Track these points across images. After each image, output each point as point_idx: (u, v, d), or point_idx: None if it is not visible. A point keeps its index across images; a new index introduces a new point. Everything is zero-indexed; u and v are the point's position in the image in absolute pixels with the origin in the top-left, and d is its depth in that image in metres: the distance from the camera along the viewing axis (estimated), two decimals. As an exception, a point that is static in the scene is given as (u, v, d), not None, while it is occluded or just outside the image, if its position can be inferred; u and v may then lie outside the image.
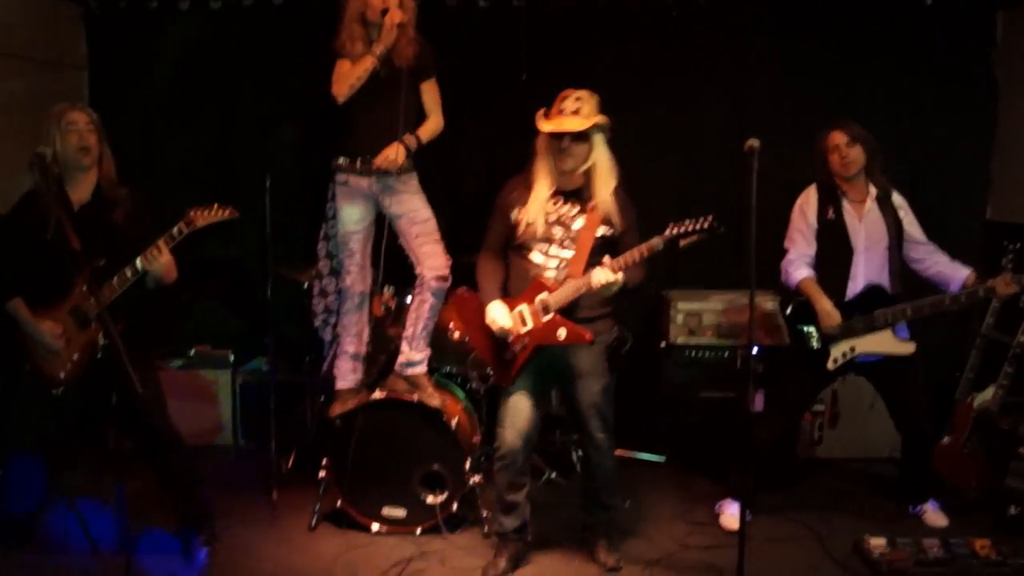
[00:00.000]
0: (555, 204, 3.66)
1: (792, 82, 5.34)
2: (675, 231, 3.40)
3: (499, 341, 3.69)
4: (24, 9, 4.87)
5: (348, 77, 4.03)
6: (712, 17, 5.30)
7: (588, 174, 3.64)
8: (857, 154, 4.14)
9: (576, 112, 3.54)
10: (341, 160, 4.17)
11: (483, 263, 3.80)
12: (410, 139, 4.08)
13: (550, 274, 3.64)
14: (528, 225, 3.63)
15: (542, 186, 3.64)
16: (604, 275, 3.45)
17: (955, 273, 4.16)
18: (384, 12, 3.97)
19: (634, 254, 3.45)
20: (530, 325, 3.62)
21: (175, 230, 3.53)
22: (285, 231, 4.54)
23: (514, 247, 3.73)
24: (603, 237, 3.64)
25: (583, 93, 3.58)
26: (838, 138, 4.16)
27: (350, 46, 4.06)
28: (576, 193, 3.67)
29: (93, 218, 3.62)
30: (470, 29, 5.31)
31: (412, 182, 4.22)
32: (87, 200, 3.68)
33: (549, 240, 3.65)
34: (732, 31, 5.34)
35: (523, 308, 3.64)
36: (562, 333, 3.57)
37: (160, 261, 3.55)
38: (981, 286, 4.02)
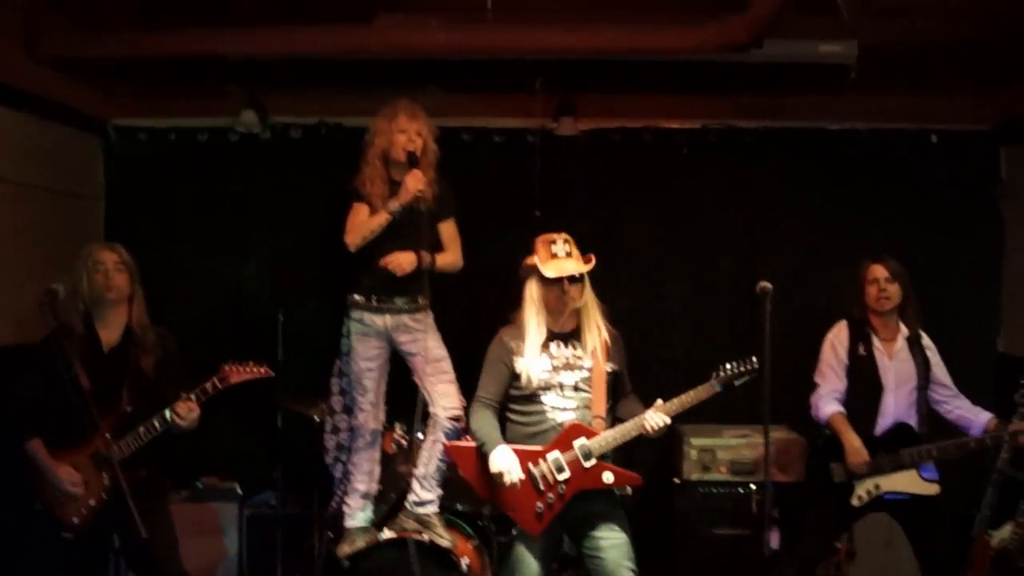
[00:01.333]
0: (557, 348, 3.67)
1: (801, 219, 5.41)
2: (729, 373, 3.52)
3: (516, 491, 3.55)
4: (42, 138, 4.95)
5: (362, 229, 4.08)
6: (721, 154, 5.42)
7: (580, 313, 3.69)
8: (895, 291, 4.17)
9: (569, 255, 3.64)
10: (357, 297, 4.20)
11: (480, 413, 3.69)
12: (426, 256, 4.09)
13: (567, 417, 3.60)
14: (531, 374, 3.61)
15: (539, 332, 3.66)
16: (660, 419, 3.51)
17: (976, 418, 4.17)
18: (409, 155, 4.03)
19: (689, 397, 3.54)
20: (567, 473, 3.53)
21: (208, 386, 3.55)
22: (298, 365, 4.53)
23: (520, 397, 3.68)
24: (611, 373, 3.68)
25: (565, 235, 3.70)
26: (879, 272, 4.18)
27: (370, 186, 4.12)
28: (572, 335, 3.70)
29: (121, 361, 3.62)
30: (484, 163, 5.41)
31: (427, 320, 4.24)
32: (116, 343, 3.68)
33: (561, 385, 3.63)
34: (741, 168, 5.44)
35: (557, 456, 3.55)
36: (608, 477, 3.52)
37: (191, 417, 3.55)
38: (1005, 431, 4.02)
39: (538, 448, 3.58)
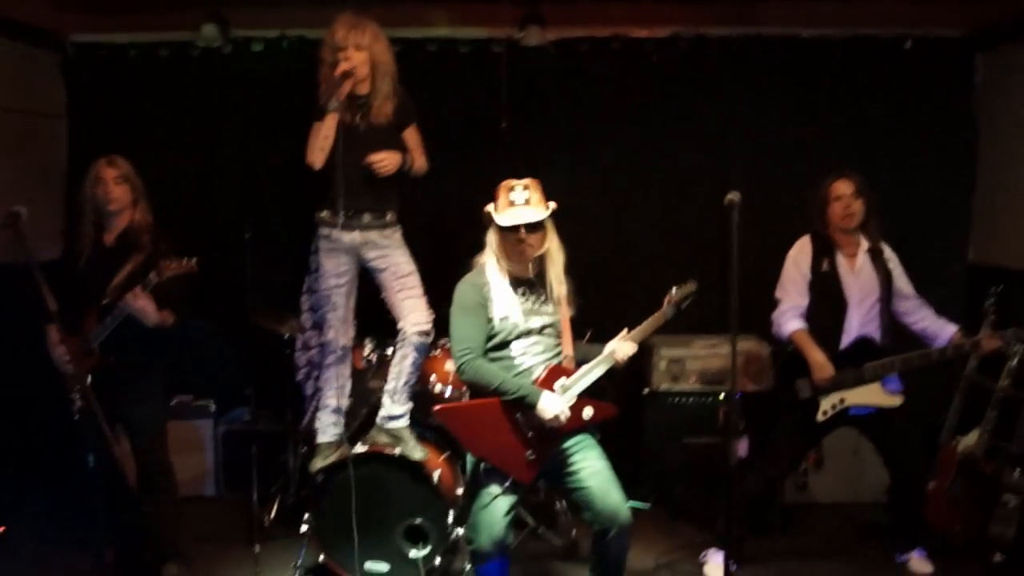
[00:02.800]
0: (522, 294, 3.63)
1: (773, 129, 5.36)
2: (675, 297, 3.64)
3: (507, 441, 3.51)
4: (0, 58, 4.85)
5: (316, 140, 4.03)
6: (692, 64, 5.34)
7: (542, 260, 3.64)
8: (859, 207, 4.14)
9: (528, 201, 3.56)
10: (324, 213, 4.16)
11: (479, 365, 3.53)
12: (408, 156, 4.14)
13: (534, 362, 3.58)
14: (504, 320, 3.56)
15: (502, 279, 3.60)
16: (629, 347, 3.55)
17: (941, 330, 4.18)
18: (342, 76, 3.98)
19: (649, 324, 3.60)
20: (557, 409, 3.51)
21: (148, 278, 3.83)
22: (267, 282, 4.50)
23: (490, 346, 3.60)
24: (572, 319, 3.70)
25: (528, 181, 3.60)
26: (843, 188, 4.15)
27: (326, 99, 4.07)
28: (537, 280, 3.67)
29: (115, 259, 3.96)
30: (451, 75, 5.32)
31: (396, 235, 4.22)
32: (113, 244, 4.03)
33: (528, 330, 3.60)
34: (712, 77, 5.36)
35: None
36: (588, 412, 3.53)
37: (135, 304, 3.82)
38: (968, 341, 4.05)
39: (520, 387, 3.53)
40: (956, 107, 5.39)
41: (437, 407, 3.56)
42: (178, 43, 5.35)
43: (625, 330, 3.60)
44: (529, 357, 3.59)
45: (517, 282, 3.63)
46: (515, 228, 3.53)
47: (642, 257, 5.41)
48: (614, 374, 3.60)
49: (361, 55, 4.03)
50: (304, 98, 4.21)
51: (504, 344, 3.58)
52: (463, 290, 3.62)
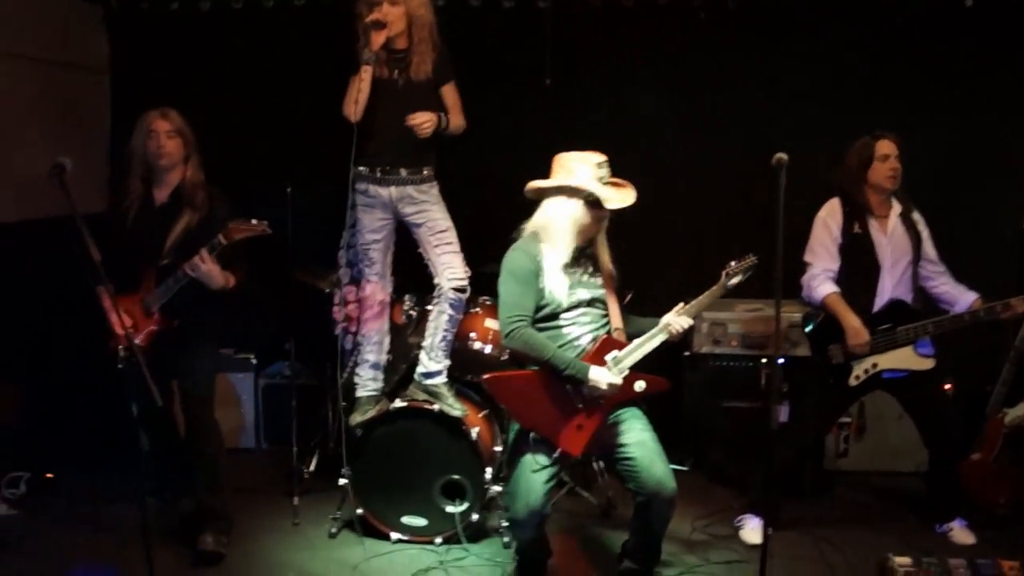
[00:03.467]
0: (575, 267, 3.57)
1: (823, 88, 5.22)
2: (733, 271, 3.52)
3: (557, 411, 3.48)
4: (43, 11, 4.87)
5: (352, 93, 4.03)
6: (741, 20, 5.20)
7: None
8: (900, 168, 4.05)
9: (619, 182, 3.54)
10: (361, 168, 4.16)
11: (529, 334, 3.45)
12: (444, 117, 4.12)
13: (582, 332, 3.55)
14: (555, 291, 3.51)
15: (564, 252, 3.51)
16: (685, 321, 3.48)
17: (962, 296, 4.13)
18: (374, 23, 3.97)
19: (705, 298, 3.51)
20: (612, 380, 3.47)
21: (215, 241, 3.75)
22: (307, 237, 4.51)
23: (540, 317, 3.55)
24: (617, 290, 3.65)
25: (601, 156, 3.55)
26: (888, 147, 4.06)
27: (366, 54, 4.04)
28: (587, 252, 3.63)
29: (169, 217, 3.92)
30: (494, 30, 5.25)
31: (433, 191, 4.20)
32: (166, 201, 3.97)
33: (579, 303, 3.55)
34: (761, 34, 5.22)
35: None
36: (640, 385, 3.48)
37: (202, 269, 3.75)
38: (1000, 303, 3.97)
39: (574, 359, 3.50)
40: (1017, 68, 5.19)
41: (486, 376, 3.54)
42: (220, -3, 5.33)
43: (681, 303, 3.53)
44: (577, 327, 3.56)
45: (575, 254, 3.56)
46: (600, 205, 3.47)
47: (685, 218, 5.34)
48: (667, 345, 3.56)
49: (397, 9, 4.00)
50: (345, 52, 4.19)
51: (554, 315, 3.54)
52: (515, 257, 3.55)
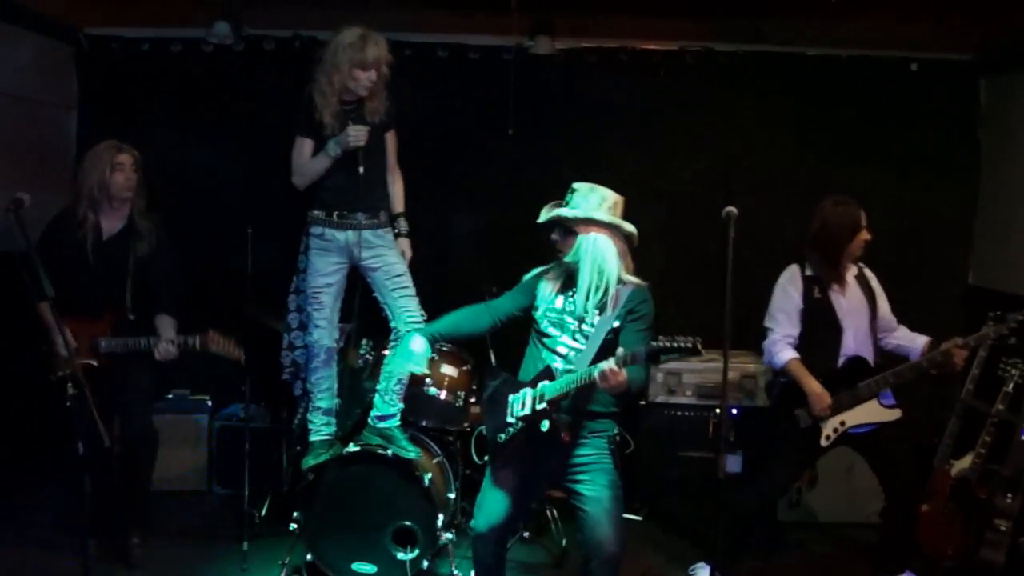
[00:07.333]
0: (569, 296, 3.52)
1: (776, 145, 5.38)
2: (663, 345, 3.13)
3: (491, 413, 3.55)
4: (13, 46, 4.89)
5: (308, 172, 4.16)
6: (699, 78, 5.36)
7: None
8: None
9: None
10: (317, 212, 4.18)
11: (462, 311, 3.62)
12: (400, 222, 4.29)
13: (554, 360, 3.49)
14: (546, 310, 3.52)
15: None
16: (607, 365, 3.17)
17: (913, 344, 4.21)
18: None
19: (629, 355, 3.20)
20: (527, 411, 3.43)
21: (190, 341, 4.02)
22: (266, 279, 4.51)
23: (537, 331, 3.57)
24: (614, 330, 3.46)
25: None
26: (865, 220, 4.11)
27: (320, 116, 4.07)
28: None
29: (120, 248, 4.07)
30: (460, 81, 5.35)
31: (388, 236, 4.24)
32: (117, 230, 4.11)
33: (563, 326, 3.51)
34: (718, 92, 5.39)
35: (525, 391, 3.47)
36: (544, 425, 3.37)
37: (168, 358, 4.08)
38: (939, 350, 4.02)
39: (526, 380, 3.52)
40: (960, 130, 5.40)
41: None
42: (191, 39, 5.39)
43: (620, 349, 3.29)
44: (552, 355, 3.49)
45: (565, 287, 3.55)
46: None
47: (641, 268, 5.39)
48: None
49: (381, 74, 4.05)
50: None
51: (543, 336, 3.53)
52: (531, 272, 3.65)
